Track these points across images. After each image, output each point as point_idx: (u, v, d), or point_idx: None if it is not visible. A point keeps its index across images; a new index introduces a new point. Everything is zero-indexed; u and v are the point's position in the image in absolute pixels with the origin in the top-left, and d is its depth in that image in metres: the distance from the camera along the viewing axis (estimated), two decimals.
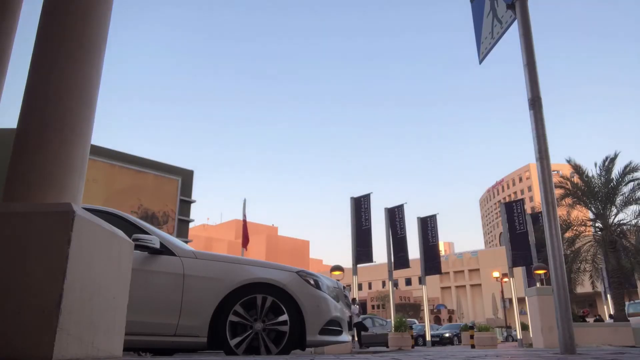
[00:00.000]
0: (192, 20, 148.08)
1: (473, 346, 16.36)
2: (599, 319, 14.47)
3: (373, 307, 63.99)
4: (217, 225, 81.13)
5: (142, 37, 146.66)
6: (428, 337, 21.01)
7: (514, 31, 4.85)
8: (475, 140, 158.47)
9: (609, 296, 21.61)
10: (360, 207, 18.71)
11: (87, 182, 2.35)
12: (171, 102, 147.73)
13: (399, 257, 19.52)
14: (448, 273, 74.86)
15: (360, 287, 46.61)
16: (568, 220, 17.74)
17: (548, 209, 4.21)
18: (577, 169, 17.87)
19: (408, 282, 73.86)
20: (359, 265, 18.02)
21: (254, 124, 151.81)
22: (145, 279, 3.73)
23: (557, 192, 16.94)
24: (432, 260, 20.47)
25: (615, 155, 17.43)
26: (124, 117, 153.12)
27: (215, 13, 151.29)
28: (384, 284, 67.73)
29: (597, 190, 17.33)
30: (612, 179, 17.22)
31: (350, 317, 4.64)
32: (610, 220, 17.21)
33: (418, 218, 20.96)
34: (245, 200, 16.54)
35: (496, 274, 40.92)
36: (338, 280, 9.73)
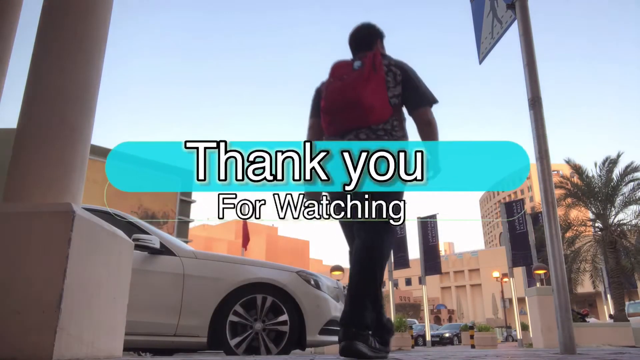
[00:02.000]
0: (192, 17, 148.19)
1: (473, 346, 16.36)
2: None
3: None
4: (217, 225, 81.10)
5: (141, 36, 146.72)
6: (428, 337, 20.99)
7: (514, 31, 4.84)
8: (475, 140, 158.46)
9: (609, 296, 21.61)
10: None
11: (87, 182, 2.35)
12: (171, 102, 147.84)
13: (399, 257, 19.50)
14: (448, 273, 74.85)
15: None
16: (568, 220, 17.74)
17: (548, 209, 4.20)
18: (577, 169, 17.86)
19: (408, 282, 73.85)
20: None
21: (254, 123, 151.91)
22: (145, 279, 3.73)
23: (557, 192, 16.94)
24: (432, 260, 20.44)
25: (618, 156, 17.42)
26: (125, 117, 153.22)
27: (215, 9, 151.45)
28: (384, 284, 67.59)
29: (597, 191, 17.33)
30: (613, 179, 17.22)
31: None
32: (610, 221, 17.21)
33: (418, 218, 20.95)
34: None
35: (496, 274, 40.93)
36: (338, 280, 9.73)
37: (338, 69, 2.48)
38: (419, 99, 2.41)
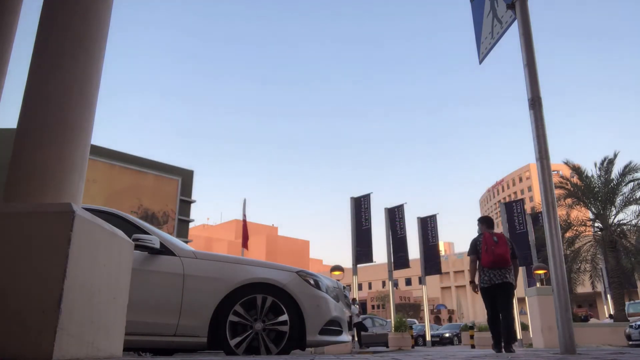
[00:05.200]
0: (192, 23, 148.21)
1: (473, 346, 16.36)
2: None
3: (373, 307, 63.99)
4: (217, 225, 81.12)
5: (141, 39, 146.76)
6: (428, 337, 21.01)
7: (514, 31, 4.85)
8: (476, 140, 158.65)
9: (609, 296, 21.61)
10: (360, 207, 18.71)
11: (87, 182, 2.35)
12: (171, 103, 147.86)
13: (399, 257, 19.51)
14: (448, 273, 74.94)
15: (360, 287, 46.55)
16: (568, 220, 17.75)
17: (548, 209, 4.20)
18: (576, 170, 17.86)
19: (408, 282, 73.88)
20: (359, 265, 18.02)
21: (254, 123, 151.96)
22: (145, 279, 3.72)
23: (557, 192, 16.93)
24: (432, 260, 20.46)
25: (615, 156, 17.43)
26: (124, 119, 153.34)
27: (214, 16, 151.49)
28: (384, 284, 67.72)
29: (597, 191, 17.33)
30: (612, 179, 17.21)
31: (350, 317, 4.64)
32: (610, 220, 17.20)
33: (418, 218, 20.96)
34: (245, 200, 16.56)
35: None
36: (338, 280, 9.73)
37: (489, 238, 5.72)
38: (515, 254, 5.84)
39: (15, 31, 3.29)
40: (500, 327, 5.49)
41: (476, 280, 5.87)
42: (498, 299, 5.57)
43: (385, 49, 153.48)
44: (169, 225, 14.39)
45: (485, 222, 6.05)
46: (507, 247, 5.59)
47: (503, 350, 5.44)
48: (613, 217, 17.29)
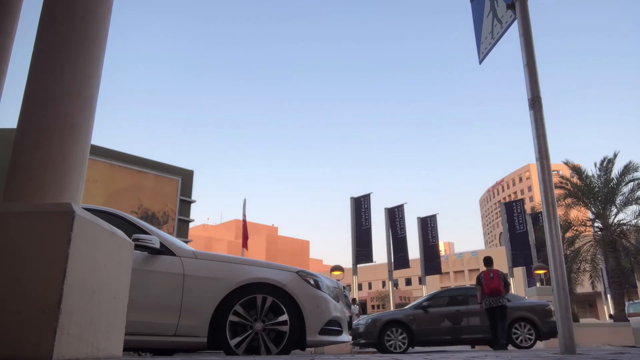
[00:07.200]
0: (192, 24, 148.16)
1: (473, 346, 16.34)
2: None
3: (373, 307, 63.97)
4: (217, 225, 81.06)
5: (142, 42, 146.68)
6: None
7: (515, 31, 4.85)
8: (476, 140, 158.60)
9: (609, 296, 21.60)
10: (360, 207, 18.70)
11: (87, 182, 2.35)
12: (171, 104, 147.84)
13: (399, 257, 19.50)
14: (448, 273, 74.89)
15: (360, 287, 46.52)
16: (568, 220, 17.74)
17: (548, 209, 4.20)
18: (576, 170, 17.86)
19: (408, 282, 73.84)
20: (359, 265, 18.01)
21: (255, 124, 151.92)
22: (145, 279, 3.72)
23: (557, 192, 16.93)
24: (432, 260, 20.45)
25: (615, 156, 17.43)
26: (124, 119, 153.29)
27: (214, 17, 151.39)
28: (384, 284, 67.68)
29: (597, 191, 17.32)
30: (612, 179, 17.21)
31: (350, 317, 4.64)
32: (610, 220, 17.20)
33: (418, 218, 20.94)
34: (245, 200, 16.56)
35: None
36: (338, 280, 9.72)
37: (487, 274, 8.79)
38: (507, 284, 8.79)
39: (15, 31, 3.29)
40: (498, 332, 8.49)
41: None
42: (496, 315, 8.59)
43: (385, 49, 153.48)
44: (169, 225, 14.39)
45: (485, 262, 9.05)
46: (499, 281, 8.60)
47: (500, 341, 8.39)
48: (613, 217, 17.29)
